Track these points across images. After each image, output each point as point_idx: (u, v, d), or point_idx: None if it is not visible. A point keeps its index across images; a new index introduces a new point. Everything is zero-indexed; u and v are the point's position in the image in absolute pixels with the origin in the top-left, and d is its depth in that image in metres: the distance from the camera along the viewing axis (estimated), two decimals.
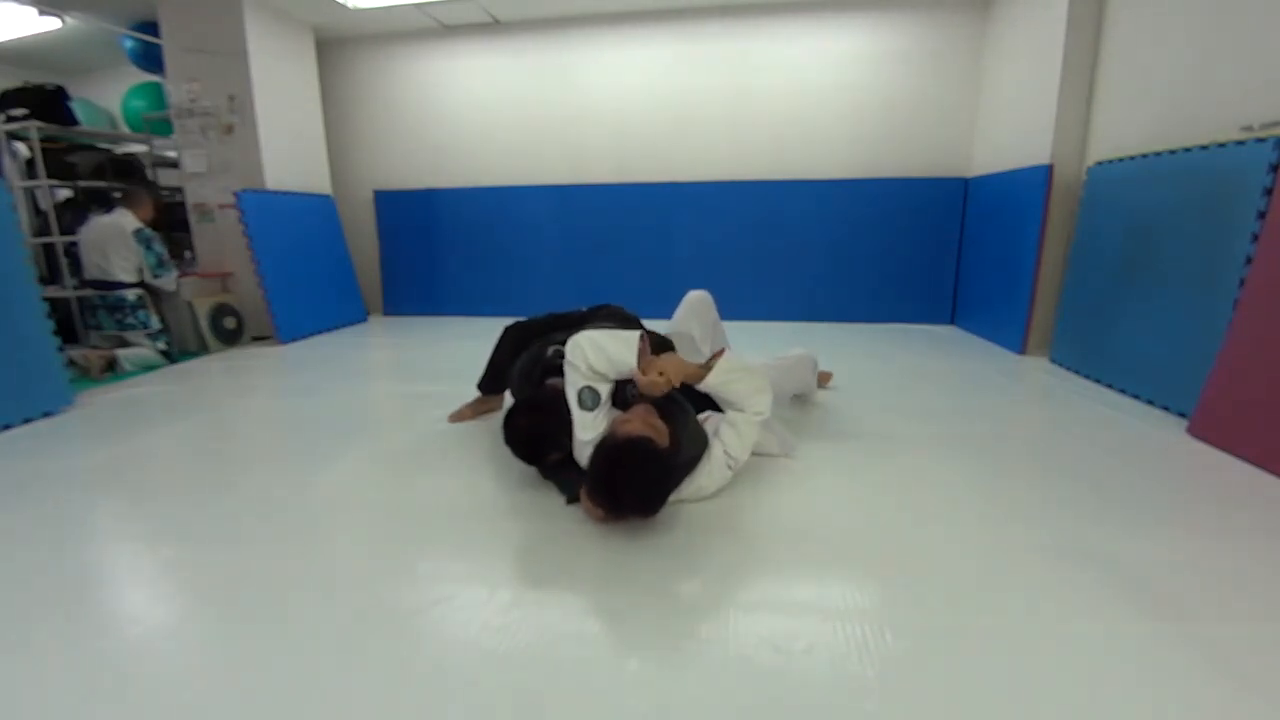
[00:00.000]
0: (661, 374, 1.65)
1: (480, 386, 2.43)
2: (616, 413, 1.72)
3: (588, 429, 1.65)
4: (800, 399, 2.52)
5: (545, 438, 1.76)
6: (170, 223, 4.29)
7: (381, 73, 4.99)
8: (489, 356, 2.38)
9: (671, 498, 1.57)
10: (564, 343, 1.84)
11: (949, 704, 1.00)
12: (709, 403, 1.90)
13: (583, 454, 1.65)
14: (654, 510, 1.50)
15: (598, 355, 1.66)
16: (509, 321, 2.34)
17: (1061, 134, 3.25)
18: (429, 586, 1.34)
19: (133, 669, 1.11)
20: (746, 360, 1.89)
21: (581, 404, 1.67)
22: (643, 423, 1.56)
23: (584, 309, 2.34)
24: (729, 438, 1.71)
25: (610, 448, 1.49)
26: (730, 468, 1.70)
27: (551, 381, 1.87)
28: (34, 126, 3.82)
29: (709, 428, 1.75)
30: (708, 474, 1.68)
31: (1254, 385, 1.95)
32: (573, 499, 1.68)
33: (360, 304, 4.97)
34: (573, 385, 1.68)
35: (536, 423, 1.77)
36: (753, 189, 4.58)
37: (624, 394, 1.74)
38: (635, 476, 1.44)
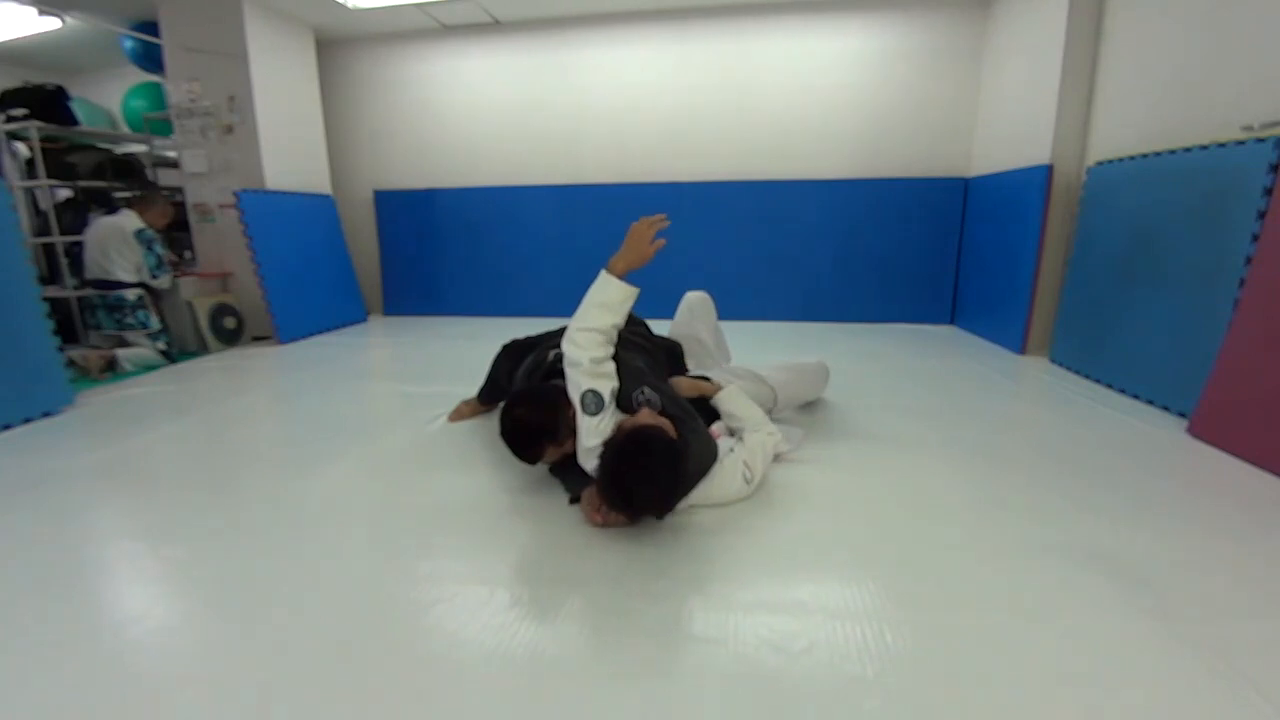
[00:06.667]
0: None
1: (480, 398, 2.44)
2: (622, 416, 1.66)
3: (592, 435, 1.60)
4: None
5: (543, 429, 1.67)
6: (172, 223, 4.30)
7: (381, 73, 4.99)
8: (488, 371, 2.39)
9: (682, 504, 1.55)
10: None
11: (949, 704, 1.00)
12: (716, 416, 1.93)
13: (587, 461, 1.62)
14: (668, 507, 1.46)
15: (596, 317, 1.63)
16: (508, 321, 2.35)
17: (1061, 134, 3.25)
18: (429, 586, 1.34)
19: (133, 668, 1.11)
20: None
21: (585, 408, 1.60)
22: (650, 416, 1.54)
23: None
24: (745, 451, 1.72)
25: (619, 441, 1.46)
26: (747, 480, 1.68)
27: (555, 383, 1.82)
28: (34, 126, 3.82)
29: (721, 445, 1.73)
30: (721, 482, 1.64)
31: (1254, 385, 1.95)
32: (575, 499, 1.67)
33: (360, 304, 4.97)
34: (575, 386, 1.63)
35: (534, 413, 1.69)
36: (752, 189, 4.58)
37: (630, 400, 1.67)
38: (647, 466, 1.40)
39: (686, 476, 1.52)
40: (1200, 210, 2.37)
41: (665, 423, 1.56)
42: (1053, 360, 3.19)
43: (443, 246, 5.10)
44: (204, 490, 1.90)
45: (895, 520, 1.62)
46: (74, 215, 4.26)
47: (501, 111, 4.85)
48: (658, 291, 2.20)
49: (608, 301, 1.66)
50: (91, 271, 3.54)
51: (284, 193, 4.30)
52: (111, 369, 3.37)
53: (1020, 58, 3.66)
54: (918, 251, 4.44)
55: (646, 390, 1.68)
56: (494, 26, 4.73)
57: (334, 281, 4.72)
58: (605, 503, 1.49)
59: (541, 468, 1.84)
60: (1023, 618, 1.21)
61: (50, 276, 4.17)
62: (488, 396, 2.41)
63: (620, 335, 1.72)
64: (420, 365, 3.52)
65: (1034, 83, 3.45)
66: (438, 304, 5.17)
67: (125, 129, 5.17)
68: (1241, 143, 2.21)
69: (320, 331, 4.40)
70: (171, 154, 4.58)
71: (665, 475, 1.42)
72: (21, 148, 4.21)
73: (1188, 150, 2.46)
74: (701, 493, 1.62)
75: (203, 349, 3.89)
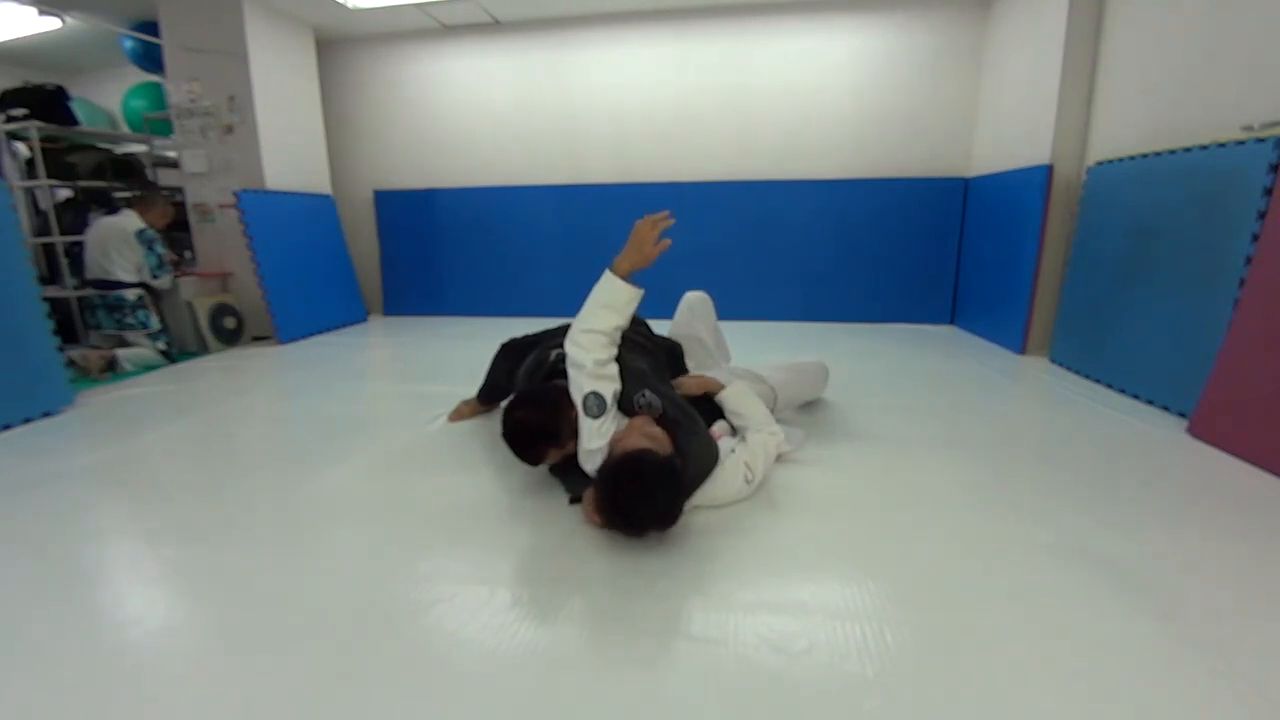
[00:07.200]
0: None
1: (479, 397, 2.44)
2: (624, 420, 1.66)
3: (594, 437, 1.59)
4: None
5: (545, 431, 1.66)
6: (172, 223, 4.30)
7: (381, 73, 4.99)
8: (487, 371, 2.39)
9: (685, 505, 1.55)
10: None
11: (949, 704, 1.00)
12: (719, 415, 1.92)
13: (589, 462, 1.62)
14: (671, 521, 1.46)
15: (600, 318, 1.63)
16: (508, 321, 2.34)
17: (1061, 134, 3.25)
18: (429, 586, 1.34)
19: (133, 669, 1.11)
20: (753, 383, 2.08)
21: (587, 410, 1.60)
22: (640, 434, 1.52)
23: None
24: (747, 451, 1.72)
25: (611, 469, 1.45)
26: (748, 481, 1.68)
27: (557, 384, 1.81)
28: (34, 126, 3.82)
29: (723, 445, 1.73)
30: (722, 483, 1.64)
31: (1254, 385, 1.95)
32: (575, 499, 1.67)
33: (360, 304, 4.97)
34: (578, 388, 1.63)
35: (536, 415, 1.69)
36: (752, 189, 4.58)
37: (631, 402, 1.67)
38: (642, 492, 1.40)
39: (684, 489, 1.53)
40: (1200, 210, 2.36)
41: (658, 434, 1.54)
42: (1053, 360, 3.19)
43: (443, 246, 5.10)
44: (204, 491, 1.90)
45: (895, 520, 1.62)
46: (74, 215, 4.26)
47: (501, 111, 4.85)
48: (657, 291, 2.20)
49: (612, 303, 1.66)
50: (92, 271, 3.54)
51: (284, 193, 4.29)
52: (111, 369, 3.37)
53: (1020, 58, 3.66)
54: (918, 251, 4.43)
55: (648, 393, 1.67)
56: (494, 26, 4.73)
57: (334, 281, 4.72)
58: (608, 526, 1.49)
59: (542, 468, 1.84)
60: (1023, 618, 1.21)
61: (50, 276, 4.17)
62: (487, 396, 2.42)
63: (622, 336, 1.72)
64: (420, 365, 3.52)
65: (1034, 83, 3.44)
66: (438, 304, 5.17)
67: (125, 129, 5.17)
68: (1241, 143, 2.21)
69: (320, 331, 4.40)
70: (171, 154, 4.58)
71: (662, 495, 1.42)
72: (21, 148, 4.21)
73: (1188, 150, 2.46)
74: (703, 493, 1.62)
75: (203, 349, 3.89)
